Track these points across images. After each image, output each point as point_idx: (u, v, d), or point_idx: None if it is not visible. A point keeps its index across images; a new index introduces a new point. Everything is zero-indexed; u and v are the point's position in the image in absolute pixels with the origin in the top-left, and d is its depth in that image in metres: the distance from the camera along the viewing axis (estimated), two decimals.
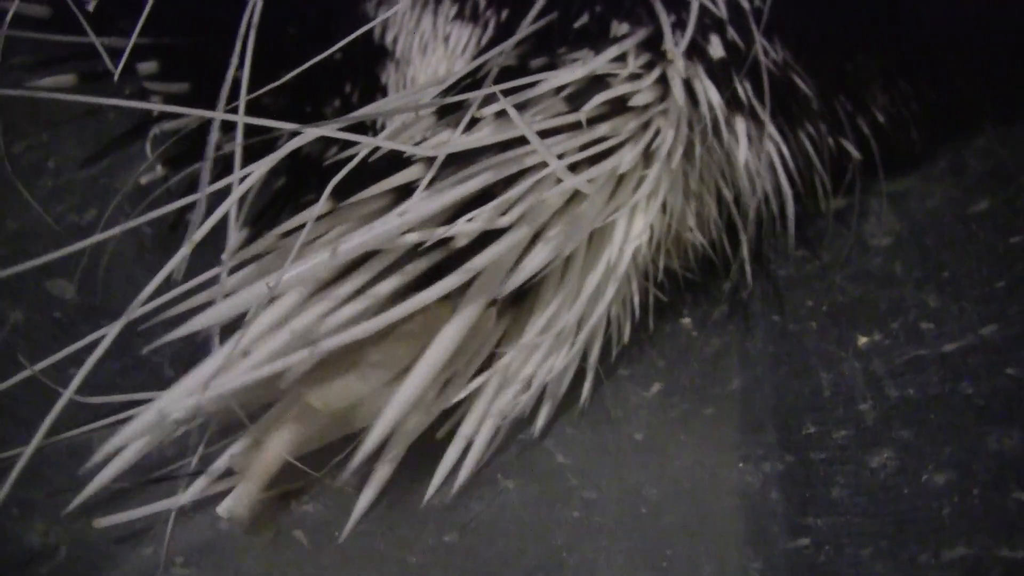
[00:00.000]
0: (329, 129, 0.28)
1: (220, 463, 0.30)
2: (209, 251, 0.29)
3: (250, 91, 0.29)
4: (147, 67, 0.40)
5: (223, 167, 0.40)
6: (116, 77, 0.34)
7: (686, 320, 0.38)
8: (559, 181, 0.30)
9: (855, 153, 0.38)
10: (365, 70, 0.39)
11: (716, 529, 0.30)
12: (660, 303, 0.37)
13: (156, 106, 0.32)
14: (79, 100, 0.29)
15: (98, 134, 0.42)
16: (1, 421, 0.32)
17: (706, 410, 0.34)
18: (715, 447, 0.33)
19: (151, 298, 0.29)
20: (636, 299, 0.35)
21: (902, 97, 0.40)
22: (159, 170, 0.41)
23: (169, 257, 0.39)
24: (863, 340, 0.35)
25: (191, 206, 0.29)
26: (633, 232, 0.33)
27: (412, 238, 0.29)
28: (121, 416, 0.31)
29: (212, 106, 0.29)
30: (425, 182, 0.28)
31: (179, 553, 0.30)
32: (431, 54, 0.39)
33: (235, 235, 0.32)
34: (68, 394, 0.26)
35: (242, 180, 0.28)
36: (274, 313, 0.29)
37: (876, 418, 0.32)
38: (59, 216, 0.39)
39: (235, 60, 0.30)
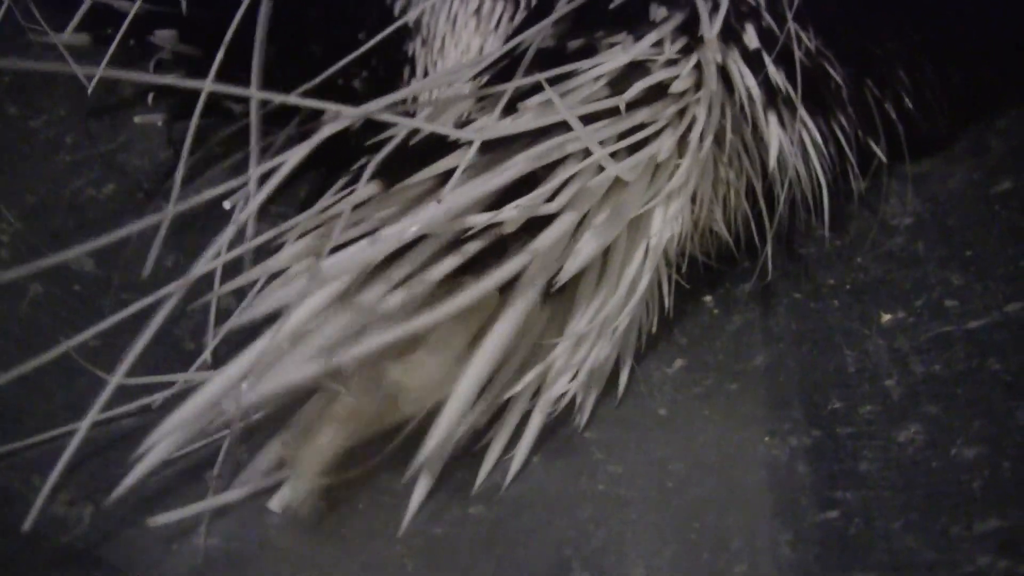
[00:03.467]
0: (371, 111, 0.27)
1: (269, 454, 0.30)
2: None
3: (277, 67, 0.29)
4: (165, 35, 0.40)
5: (239, 140, 0.40)
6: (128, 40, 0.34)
7: (707, 298, 0.38)
8: (600, 168, 0.30)
9: (880, 153, 0.37)
10: (392, 44, 0.39)
11: (744, 502, 0.30)
12: (680, 282, 0.37)
13: (192, 83, 0.31)
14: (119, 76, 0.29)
15: (115, 109, 0.42)
16: (20, 391, 0.32)
17: (730, 386, 0.34)
18: (740, 422, 0.32)
19: (169, 277, 0.29)
20: (665, 286, 0.35)
21: (927, 80, 0.40)
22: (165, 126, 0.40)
23: (186, 232, 0.39)
24: (887, 317, 0.35)
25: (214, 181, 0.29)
26: (669, 220, 0.33)
27: (457, 225, 0.29)
28: (157, 397, 0.31)
29: (231, 76, 0.29)
30: (461, 169, 0.28)
31: (202, 522, 0.29)
32: (462, 28, 0.38)
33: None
34: (117, 379, 0.26)
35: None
36: (319, 299, 0.29)
37: (902, 394, 0.32)
38: (77, 190, 0.39)
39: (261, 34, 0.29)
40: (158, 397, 0.30)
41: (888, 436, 0.31)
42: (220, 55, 0.28)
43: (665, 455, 0.32)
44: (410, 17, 0.39)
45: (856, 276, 0.37)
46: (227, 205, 0.29)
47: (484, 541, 0.30)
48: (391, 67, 0.38)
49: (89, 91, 0.35)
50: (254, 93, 0.27)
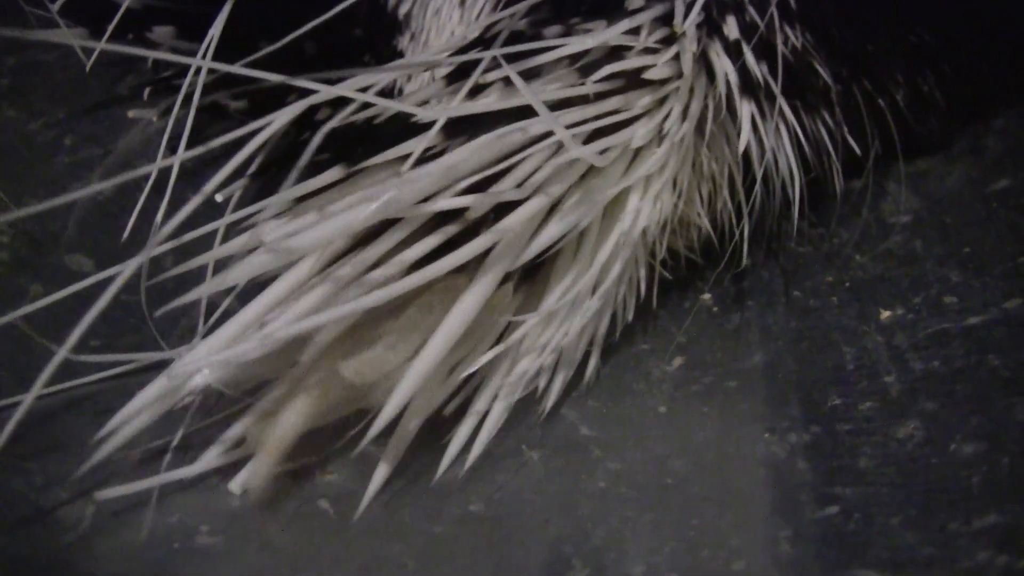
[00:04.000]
0: (330, 88, 0.27)
1: (231, 435, 0.30)
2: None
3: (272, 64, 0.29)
4: (163, 31, 0.40)
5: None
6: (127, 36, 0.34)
7: (706, 296, 0.38)
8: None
9: (859, 153, 0.37)
10: (382, 40, 0.39)
11: (743, 499, 0.30)
12: (679, 280, 0.37)
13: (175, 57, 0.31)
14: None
15: (113, 112, 0.42)
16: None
17: (729, 383, 0.34)
18: (739, 419, 0.33)
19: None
20: (643, 280, 0.35)
21: (923, 81, 0.40)
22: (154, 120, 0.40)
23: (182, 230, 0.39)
24: (885, 315, 0.35)
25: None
26: (644, 208, 0.33)
27: (424, 208, 0.28)
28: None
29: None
30: (420, 148, 0.28)
31: (204, 522, 0.29)
32: (446, 20, 0.38)
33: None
34: (63, 352, 0.25)
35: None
36: (288, 281, 0.29)
37: (901, 390, 0.32)
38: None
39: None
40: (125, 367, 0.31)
41: (887, 433, 0.31)
42: (213, 44, 0.28)
43: (664, 452, 0.32)
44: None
45: (855, 274, 0.37)
46: (219, 198, 0.28)
47: (484, 539, 0.30)
48: (382, 63, 0.38)
49: (87, 67, 0.35)
50: (202, 63, 0.28)
